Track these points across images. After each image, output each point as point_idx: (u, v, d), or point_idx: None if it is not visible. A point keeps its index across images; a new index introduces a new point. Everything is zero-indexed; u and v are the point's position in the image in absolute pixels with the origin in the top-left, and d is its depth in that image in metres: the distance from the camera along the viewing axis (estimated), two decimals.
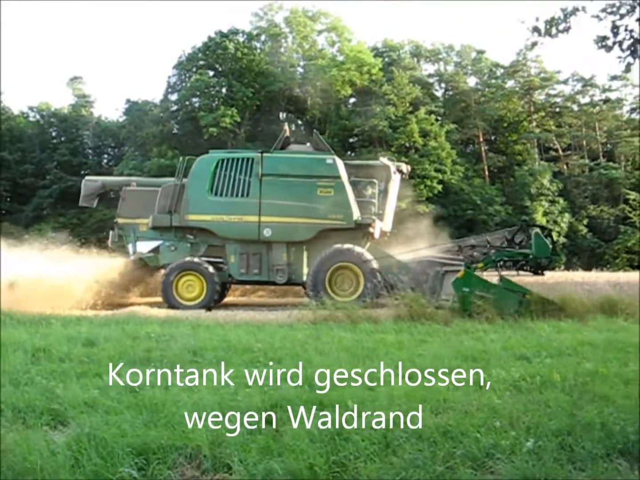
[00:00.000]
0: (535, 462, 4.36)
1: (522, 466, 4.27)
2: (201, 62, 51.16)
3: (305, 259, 18.75)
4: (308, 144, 20.98)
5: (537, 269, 16.58)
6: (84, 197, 21.02)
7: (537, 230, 16.30)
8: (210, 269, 18.32)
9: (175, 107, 51.52)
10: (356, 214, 18.52)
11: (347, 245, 18.15)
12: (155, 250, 19.30)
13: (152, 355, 8.75)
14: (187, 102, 50.22)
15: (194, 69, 50.79)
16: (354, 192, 18.95)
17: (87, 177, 22.58)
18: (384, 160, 20.76)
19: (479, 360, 8.36)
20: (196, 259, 18.50)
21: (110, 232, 20.34)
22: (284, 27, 53.20)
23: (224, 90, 49.84)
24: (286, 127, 21.73)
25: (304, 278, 18.54)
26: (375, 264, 17.98)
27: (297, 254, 18.80)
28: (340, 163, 18.98)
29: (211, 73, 50.84)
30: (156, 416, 5.62)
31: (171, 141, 48.58)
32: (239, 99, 47.94)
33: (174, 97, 52.39)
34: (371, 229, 18.76)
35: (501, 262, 15.74)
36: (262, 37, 53.85)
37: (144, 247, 19.35)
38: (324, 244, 18.35)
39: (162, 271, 19.08)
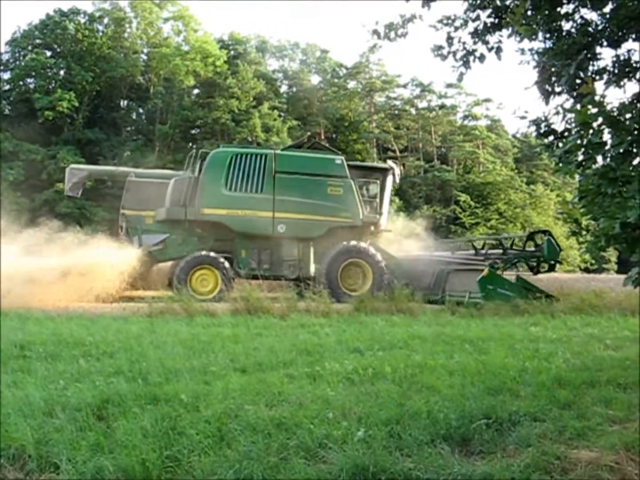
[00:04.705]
0: (366, 450, 4.49)
1: (353, 455, 4.38)
2: (38, 41, 48.68)
3: (312, 254, 19.19)
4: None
5: (536, 270, 18.34)
6: (69, 186, 20.53)
7: (549, 237, 17.97)
8: (225, 263, 18.24)
9: (7, 87, 48.59)
10: (363, 213, 19.34)
11: (361, 243, 19.11)
12: (162, 243, 18.97)
13: None
14: (20, 82, 47.64)
15: (30, 48, 48.19)
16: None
17: (72, 166, 22.05)
18: (390, 163, 21.95)
19: (314, 354, 8.53)
20: (212, 253, 18.35)
21: (121, 223, 19.99)
22: (128, 11, 51.61)
23: (61, 72, 47.77)
24: (309, 133, 22.24)
25: (312, 273, 18.99)
26: (383, 261, 18.94)
27: (305, 249, 19.22)
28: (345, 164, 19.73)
29: (48, 53, 48.48)
30: None
31: (2, 122, 45.74)
32: (78, 83, 46.01)
33: (6, 75, 49.42)
34: (374, 227, 19.90)
35: (516, 262, 17.80)
36: (105, 20, 51.87)
37: (151, 239, 19.00)
38: (330, 240, 19.06)
39: (160, 265, 19.64)
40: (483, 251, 19.35)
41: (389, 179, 20.69)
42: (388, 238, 21.54)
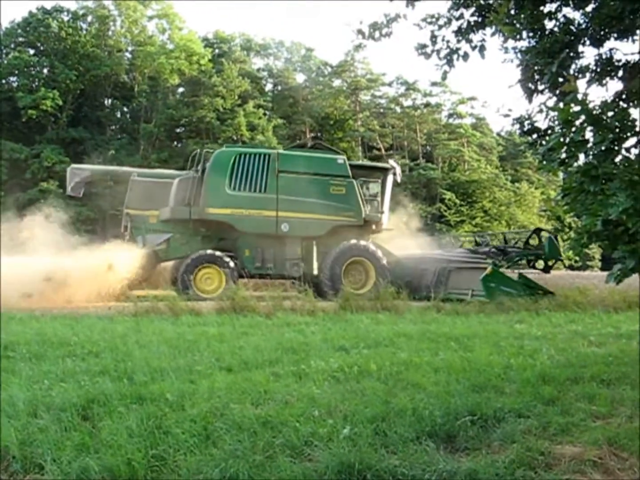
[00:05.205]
0: (351, 447, 4.49)
1: (338, 452, 4.38)
2: (20, 39, 48.35)
3: (315, 253, 19.32)
4: None
5: (547, 267, 18.78)
6: (72, 186, 20.52)
7: (551, 235, 18.18)
8: (229, 262, 18.31)
9: None
10: (364, 212, 19.54)
11: (363, 242, 19.32)
12: (166, 242, 19.04)
13: None
14: (3, 81, 47.25)
15: (13, 46, 47.86)
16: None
17: (73, 165, 21.97)
18: (392, 162, 22.24)
19: (299, 352, 8.52)
20: (216, 252, 18.42)
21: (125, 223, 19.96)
22: (112, 9, 51.32)
23: (45, 70, 47.45)
24: (312, 134, 22.50)
25: (315, 272, 19.14)
26: (385, 260, 19.14)
27: (308, 248, 19.35)
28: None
29: (32, 51, 48.19)
30: None
31: None
32: (62, 81, 45.72)
33: None
34: (376, 226, 20.10)
35: (517, 260, 17.99)
36: (89, 18, 51.56)
37: (155, 239, 19.05)
38: (332, 239, 19.21)
39: (164, 264, 19.70)
40: (486, 249, 19.43)
41: (390, 178, 20.91)
42: (385, 236, 21.60)
